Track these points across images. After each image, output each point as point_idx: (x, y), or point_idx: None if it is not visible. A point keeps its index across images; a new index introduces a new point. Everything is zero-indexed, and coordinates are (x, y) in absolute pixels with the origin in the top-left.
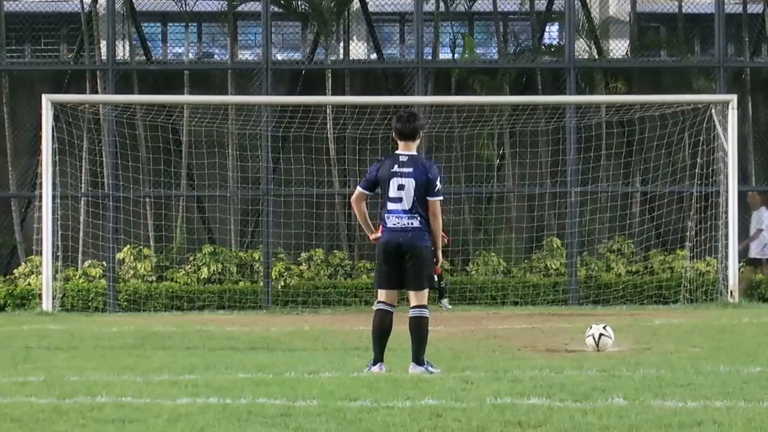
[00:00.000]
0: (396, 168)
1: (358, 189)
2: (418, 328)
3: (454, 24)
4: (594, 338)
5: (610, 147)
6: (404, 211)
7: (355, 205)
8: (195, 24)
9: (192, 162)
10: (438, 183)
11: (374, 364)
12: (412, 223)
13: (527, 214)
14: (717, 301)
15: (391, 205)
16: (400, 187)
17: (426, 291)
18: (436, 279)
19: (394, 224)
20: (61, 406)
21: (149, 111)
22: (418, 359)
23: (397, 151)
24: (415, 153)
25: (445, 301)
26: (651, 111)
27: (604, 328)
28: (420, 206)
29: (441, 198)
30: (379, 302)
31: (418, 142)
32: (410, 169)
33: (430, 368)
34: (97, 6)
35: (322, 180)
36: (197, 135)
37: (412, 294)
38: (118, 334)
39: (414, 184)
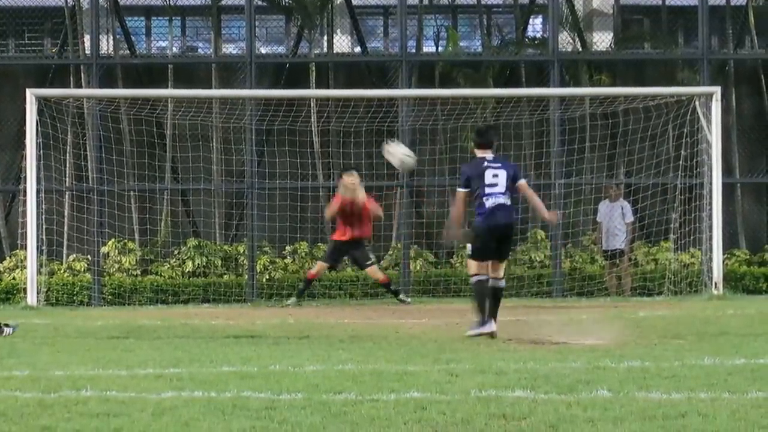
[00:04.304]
0: (486, 164)
1: (460, 190)
2: (497, 296)
3: (438, 17)
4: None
5: (594, 139)
6: (501, 193)
7: (460, 205)
8: (179, 18)
9: (176, 156)
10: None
11: (485, 324)
12: (507, 202)
13: None
14: (701, 292)
15: (488, 190)
16: (495, 176)
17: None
18: None
19: (494, 203)
20: (45, 400)
21: (133, 105)
22: (495, 317)
23: (480, 156)
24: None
25: (402, 296)
26: (635, 103)
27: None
28: (510, 191)
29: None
30: (476, 275)
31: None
32: (499, 164)
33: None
34: (81, 0)
35: (307, 173)
36: (181, 129)
37: (498, 264)
38: (103, 328)
39: (505, 175)
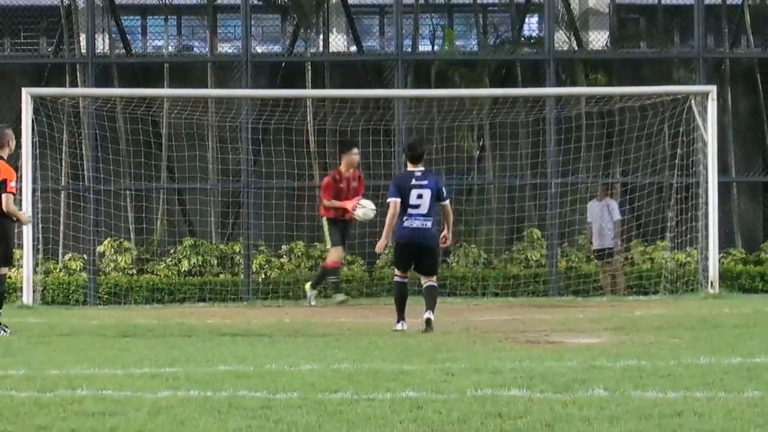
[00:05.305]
0: (414, 181)
1: (395, 200)
2: (431, 293)
3: (434, 16)
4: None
5: (590, 138)
6: (422, 215)
7: (394, 215)
8: (174, 17)
9: (172, 155)
10: (444, 189)
11: (398, 322)
12: (427, 224)
13: (507, 206)
14: (697, 291)
15: (410, 210)
16: (419, 197)
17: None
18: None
19: (411, 224)
20: (41, 399)
21: (129, 104)
22: (432, 309)
23: (410, 169)
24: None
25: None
26: (631, 102)
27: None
28: (432, 210)
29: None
30: (399, 276)
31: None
32: (425, 182)
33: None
34: None
35: (303, 173)
36: (177, 128)
37: (425, 276)
38: (99, 327)
39: (429, 194)
